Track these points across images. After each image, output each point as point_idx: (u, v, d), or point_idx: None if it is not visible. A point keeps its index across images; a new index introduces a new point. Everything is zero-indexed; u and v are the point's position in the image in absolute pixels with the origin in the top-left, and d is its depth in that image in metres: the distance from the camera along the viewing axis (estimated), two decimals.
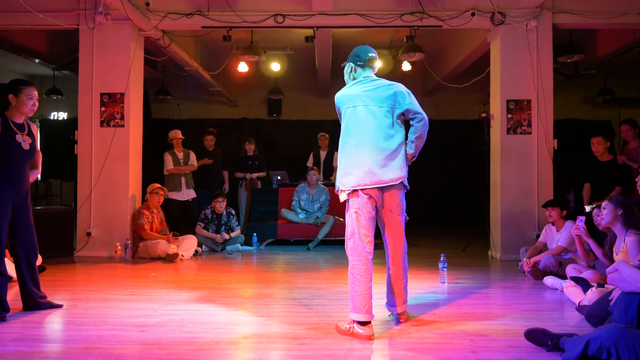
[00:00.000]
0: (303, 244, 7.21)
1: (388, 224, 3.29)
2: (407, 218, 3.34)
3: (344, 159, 3.21)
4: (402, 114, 3.22)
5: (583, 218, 4.25)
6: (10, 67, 9.79)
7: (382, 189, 3.16)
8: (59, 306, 3.73)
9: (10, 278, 3.73)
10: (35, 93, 3.62)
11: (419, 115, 3.20)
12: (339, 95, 3.32)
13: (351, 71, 3.36)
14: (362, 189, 3.12)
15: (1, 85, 3.60)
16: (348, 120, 3.22)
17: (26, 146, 3.55)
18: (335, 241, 7.22)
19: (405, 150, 3.23)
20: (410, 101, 3.22)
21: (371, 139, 3.13)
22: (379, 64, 3.39)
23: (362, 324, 3.07)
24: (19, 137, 3.51)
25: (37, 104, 3.64)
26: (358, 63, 3.33)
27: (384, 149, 3.13)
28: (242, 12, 6.28)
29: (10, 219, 3.49)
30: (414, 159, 3.28)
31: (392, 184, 3.15)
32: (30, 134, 3.63)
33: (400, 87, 3.27)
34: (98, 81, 6.31)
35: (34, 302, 3.65)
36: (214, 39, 7.26)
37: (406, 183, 3.26)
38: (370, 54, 3.32)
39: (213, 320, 3.44)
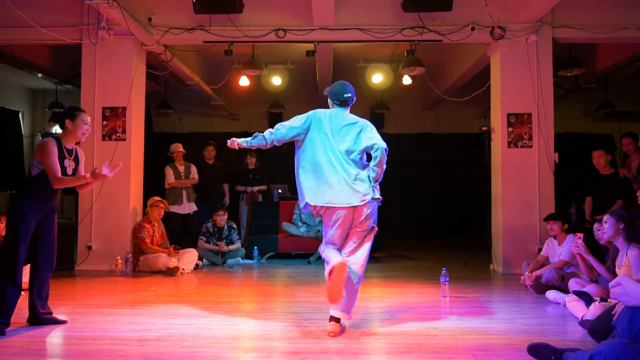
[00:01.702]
0: (304, 258, 7.19)
1: (352, 234, 3.54)
2: (376, 229, 3.60)
3: (312, 176, 3.49)
4: (366, 146, 3.49)
5: (581, 235, 4.26)
6: (13, 82, 9.85)
7: (353, 208, 3.44)
8: (62, 322, 3.69)
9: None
10: (89, 119, 3.80)
11: (376, 144, 3.43)
12: (319, 113, 3.59)
13: (331, 106, 3.71)
14: (333, 207, 3.43)
15: (58, 112, 3.74)
16: (320, 142, 3.50)
17: (70, 171, 3.71)
18: None
19: (369, 175, 3.48)
20: (372, 135, 3.49)
21: (340, 165, 3.46)
22: (353, 99, 3.67)
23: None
24: (66, 162, 3.68)
25: (89, 129, 3.84)
26: (335, 102, 3.66)
27: (351, 174, 3.45)
28: (244, 27, 6.34)
29: (32, 234, 3.56)
30: (378, 182, 3.52)
31: (361, 204, 3.42)
32: (76, 159, 3.80)
33: (365, 123, 3.58)
34: (100, 95, 6.35)
35: (37, 316, 3.64)
36: (216, 53, 7.32)
37: (376, 196, 3.48)
38: (345, 95, 3.62)
39: (213, 335, 3.41)
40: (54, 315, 3.72)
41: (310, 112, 3.62)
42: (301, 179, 3.54)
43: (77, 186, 3.76)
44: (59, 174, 3.54)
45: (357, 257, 3.52)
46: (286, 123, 3.61)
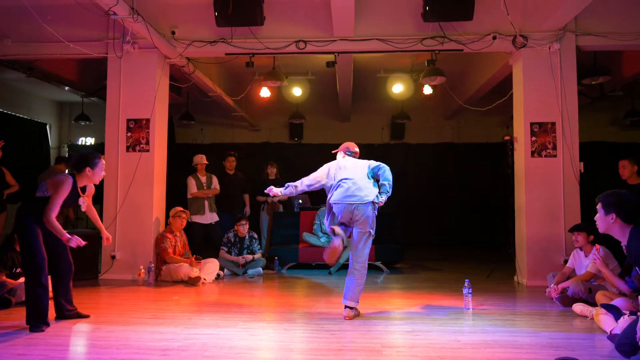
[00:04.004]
0: (324, 268, 7.16)
1: (354, 235, 4.39)
2: (373, 235, 4.33)
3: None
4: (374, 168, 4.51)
5: (599, 247, 4.19)
6: (41, 95, 10.14)
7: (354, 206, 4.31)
8: (86, 316, 4.13)
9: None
10: (104, 163, 4.12)
11: (380, 164, 4.50)
12: (334, 162, 4.66)
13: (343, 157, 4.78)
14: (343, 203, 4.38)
15: (75, 156, 4.19)
16: (336, 176, 4.52)
17: (84, 208, 4.06)
18: None
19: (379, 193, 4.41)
20: (377, 163, 4.55)
21: (357, 181, 4.41)
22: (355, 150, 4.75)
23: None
24: (81, 200, 4.02)
25: (105, 174, 4.17)
26: (347, 153, 4.73)
27: (366, 183, 4.43)
28: (265, 38, 6.41)
29: (44, 245, 3.86)
30: (388, 194, 4.41)
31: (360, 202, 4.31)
32: (85, 192, 4.10)
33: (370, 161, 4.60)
34: (125, 107, 6.48)
35: (63, 315, 4.07)
36: (237, 65, 7.40)
37: (376, 200, 4.33)
38: (355, 149, 4.78)
39: (234, 345, 3.42)
40: (78, 310, 4.15)
41: (327, 164, 4.64)
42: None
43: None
44: (54, 215, 3.76)
45: (361, 257, 4.31)
46: (309, 178, 4.61)
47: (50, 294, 3.96)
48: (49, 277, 3.97)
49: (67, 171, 4.25)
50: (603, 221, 3.15)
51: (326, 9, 6.03)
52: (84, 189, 4.08)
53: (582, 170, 6.14)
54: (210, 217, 7.24)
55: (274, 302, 5.18)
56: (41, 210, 3.77)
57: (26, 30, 6.36)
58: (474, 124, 10.83)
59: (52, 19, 5.98)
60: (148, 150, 6.45)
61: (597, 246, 4.28)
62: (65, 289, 4.08)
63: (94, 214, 4.36)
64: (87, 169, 3.95)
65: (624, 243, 3.13)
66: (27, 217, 3.84)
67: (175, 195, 7.42)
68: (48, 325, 3.79)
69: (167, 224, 6.59)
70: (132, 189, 6.36)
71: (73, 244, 3.76)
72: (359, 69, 8.26)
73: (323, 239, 7.33)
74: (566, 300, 4.73)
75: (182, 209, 6.56)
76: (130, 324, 3.98)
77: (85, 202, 4.02)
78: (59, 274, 4.05)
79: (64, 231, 3.80)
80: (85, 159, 3.98)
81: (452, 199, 10.86)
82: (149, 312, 4.49)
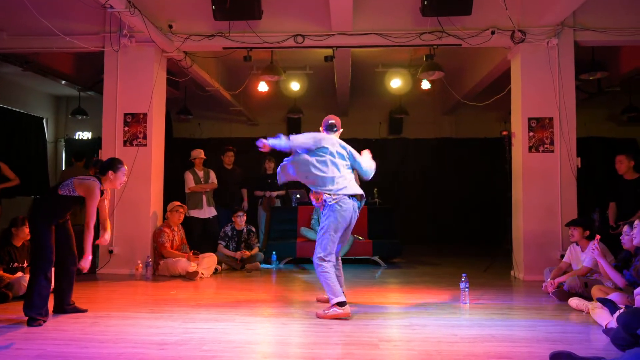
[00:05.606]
0: None
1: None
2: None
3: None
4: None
5: (598, 237, 4.22)
6: (38, 89, 10.08)
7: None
8: (83, 310, 4.17)
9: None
10: (127, 169, 4.27)
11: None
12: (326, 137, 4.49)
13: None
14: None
15: (100, 160, 4.29)
16: (330, 155, 4.39)
17: (103, 209, 4.18)
18: (354, 260, 7.17)
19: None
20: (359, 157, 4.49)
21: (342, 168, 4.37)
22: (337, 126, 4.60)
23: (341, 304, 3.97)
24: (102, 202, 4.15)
25: (126, 179, 4.32)
26: (323, 128, 4.66)
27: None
28: (263, 33, 6.39)
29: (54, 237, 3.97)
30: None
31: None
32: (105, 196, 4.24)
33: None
34: (122, 102, 6.46)
35: (63, 309, 4.13)
36: (235, 59, 7.38)
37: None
38: (330, 122, 4.62)
39: (232, 339, 3.43)
40: (76, 304, 4.21)
41: (320, 134, 4.50)
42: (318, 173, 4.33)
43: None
44: (93, 223, 3.95)
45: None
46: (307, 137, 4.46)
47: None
48: (54, 269, 4.05)
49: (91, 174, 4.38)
50: None
51: (324, 3, 6.01)
52: (103, 192, 4.19)
53: (580, 166, 6.16)
54: (208, 212, 7.23)
55: (271, 296, 5.19)
56: (62, 207, 3.98)
57: (22, 23, 6.32)
58: (472, 119, 10.82)
59: (49, 12, 5.94)
60: (145, 145, 6.43)
61: (598, 236, 4.29)
62: (69, 282, 4.16)
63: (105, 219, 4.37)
64: (110, 172, 4.10)
65: None
66: (44, 211, 3.95)
67: (173, 189, 7.40)
68: (45, 315, 3.82)
69: (164, 218, 6.58)
70: (130, 184, 6.32)
71: (84, 265, 3.93)
72: (357, 64, 8.24)
73: None
74: (562, 294, 4.75)
75: (179, 203, 6.55)
76: (128, 318, 3.99)
77: (105, 205, 4.19)
78: (65, 267, 4.13)
79: (90, 251, 3.95)
80: (110, 163, 4.16)
81: (449, 194, 10.87)
82: (146, 306, 4.50)
